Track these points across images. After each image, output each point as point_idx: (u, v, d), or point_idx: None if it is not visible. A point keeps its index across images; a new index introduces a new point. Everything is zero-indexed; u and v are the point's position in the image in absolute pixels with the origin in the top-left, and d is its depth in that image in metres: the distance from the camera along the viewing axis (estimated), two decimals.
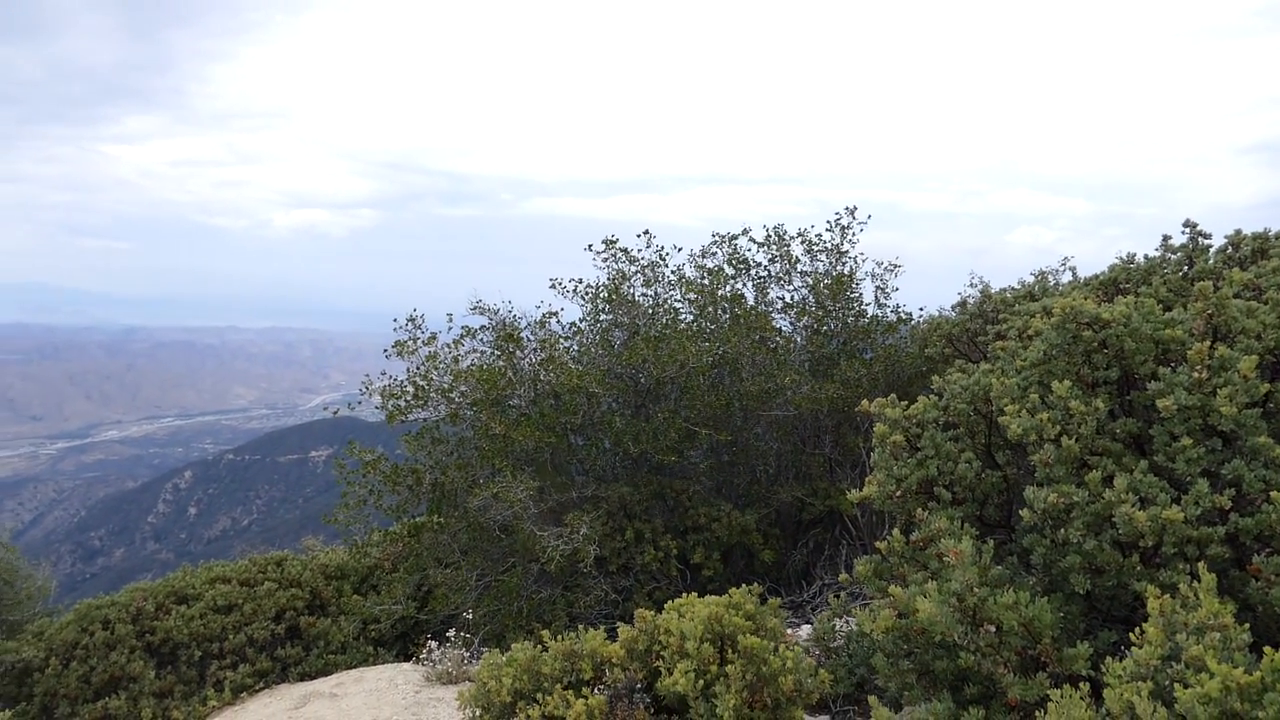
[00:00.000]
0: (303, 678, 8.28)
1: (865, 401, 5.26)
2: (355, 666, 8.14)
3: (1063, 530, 4.07)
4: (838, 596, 5.71)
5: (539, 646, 4.52)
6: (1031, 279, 9.70)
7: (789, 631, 4.82)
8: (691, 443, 8.96)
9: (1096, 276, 7.93)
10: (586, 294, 9.77)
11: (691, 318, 9.93)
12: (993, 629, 3.60)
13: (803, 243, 10.33)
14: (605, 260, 9.91)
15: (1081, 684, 3.27)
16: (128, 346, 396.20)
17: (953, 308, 10.16)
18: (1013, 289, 9.43)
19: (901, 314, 10.27)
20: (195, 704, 8.03)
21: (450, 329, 9.20)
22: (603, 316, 9.72)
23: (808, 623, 6.81)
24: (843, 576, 5.24)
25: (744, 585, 4.63)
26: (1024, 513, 4.21)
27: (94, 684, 8.29)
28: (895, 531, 4.48)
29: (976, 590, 3.67)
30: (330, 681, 7.24)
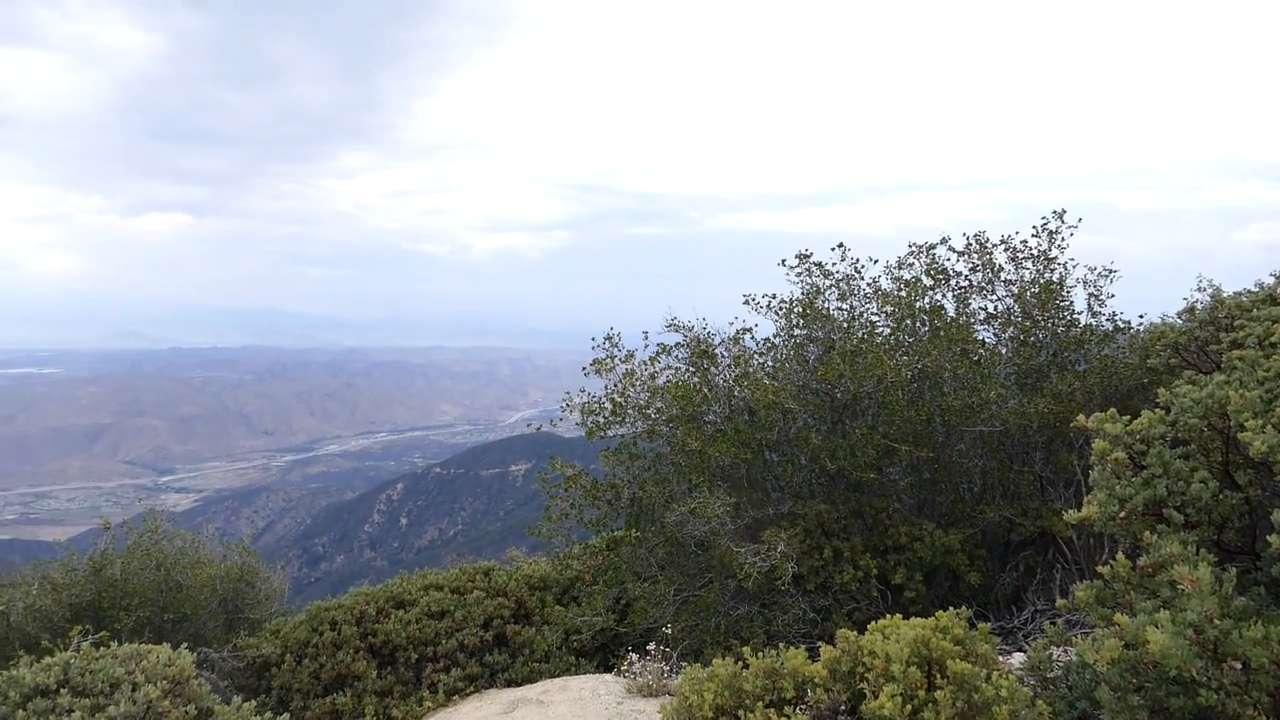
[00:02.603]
0: (509, 684, 8.61)
1: (1081, 416, 4.97)
2: (559, 675, 8.40)
3: None
4: (1054, 623, 5.39)
5: (739, 663, 4.52)
6: (1272, 280, 8.88)
7: (1000, 659, 4.60)
8: (890, 459, 8.72)
9: None
10: (780, 309, 9.72)
11: (888, 331, 9.69)
12: (1238, 666, 3.31)
13: (1006, 250, 9.89)
14: (799, 275, 9.84)
15: None
16: (347, 366, 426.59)
17: (1178, 314, 9.43)
18: (1249, 292, 8.64)
19: (1118, 322, 9.63)
20: (412, 704, 8.49)
21: (646, 347, 9.37)
22: (797, 331, 9.64)
23: (1020, 650, 6.48)
24: (1060, 602, 4.95)
25: (949, 608, 4.46)
26: (1271, 539, 3.85)
27: (323, 680, 8.92)
28: (1119, 556, 4.20)
29: (1218, 622, 3.39)
30: (536, 689, 7.50)
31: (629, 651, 7.43)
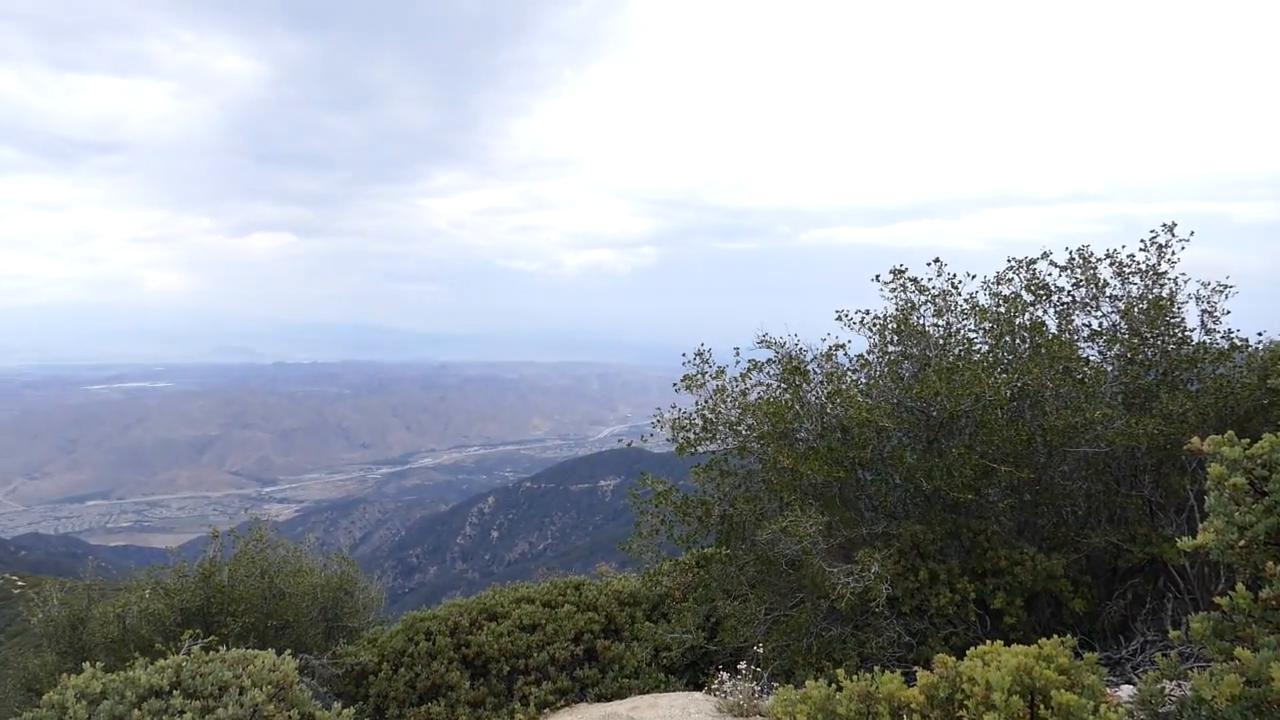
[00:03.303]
0: (599, 699, 8.64)
1: (1195, 439, 4.75)
2: (648, 692, 8.39)
3: None
4: (1166, 655, 5.16)
5: (833, 686, 4.45)
6: None
7: (1109, 691, 4.41)
8: (989, 480, 8.48)
9: None
10: (873, 325, 9.57)
11: (987, 348, 9.45)
12: None
13: (1112, 264, 9.55)
14: (893, 290, 9.68)
15: None
16: (440, 381, 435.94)
17: None
18: None
19: (1235, 340, 9.20)
20: (504, 716, 8.59)
21: (737, 363, 9.33)
22: (891, 348, 9.48)
23: (1129, 683, 6.21)
24: (1173, 634, 4.73)
25: (1052, 636, 4.31)
26: None
27: (418, 689, 9.10)
28: (1239, 587, 4.00)
29: None
30: (626, 704, 7.50)
31: (719, 670, 7.39)
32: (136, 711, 5.13)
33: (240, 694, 5.27)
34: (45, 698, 5.38)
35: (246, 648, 6.10)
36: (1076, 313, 9.70)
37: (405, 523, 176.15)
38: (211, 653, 5.85)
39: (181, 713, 5.10)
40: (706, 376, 9.25)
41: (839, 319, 9.62)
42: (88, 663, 5.69)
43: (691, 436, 9.07)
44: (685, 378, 9.31)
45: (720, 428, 9.01)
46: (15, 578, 50.37)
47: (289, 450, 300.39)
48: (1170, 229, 9.31)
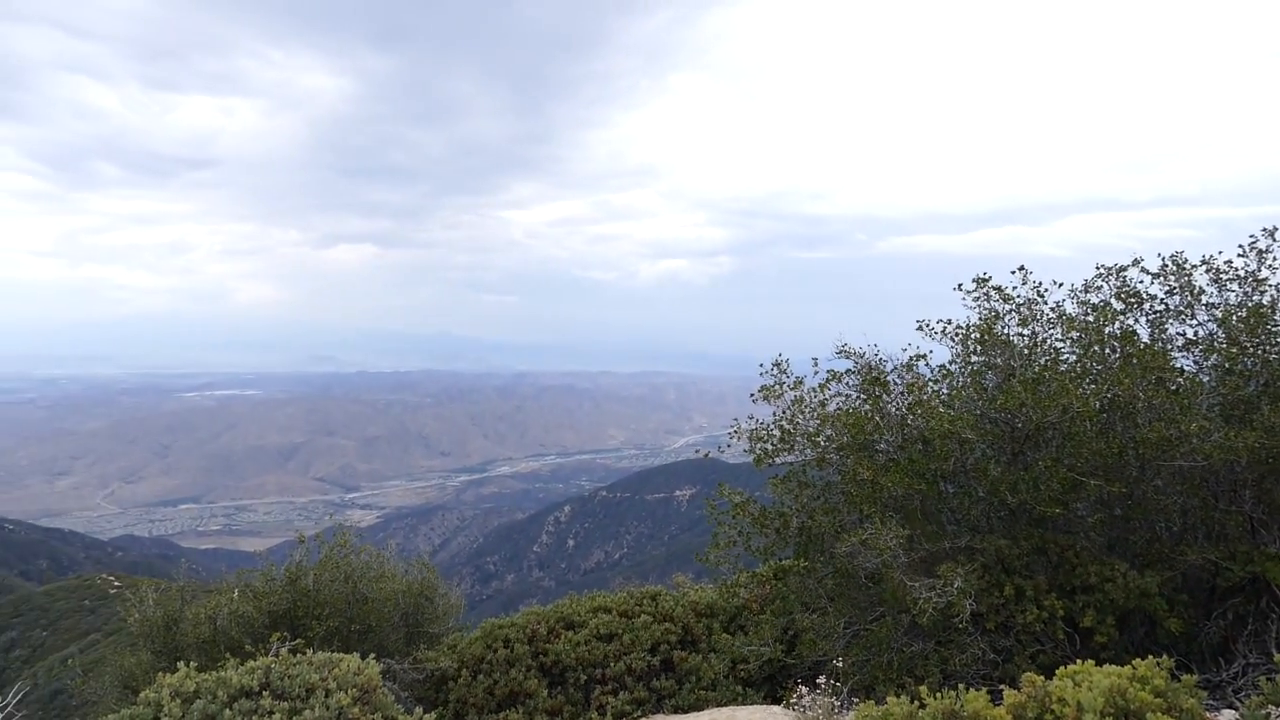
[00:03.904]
0: (676, 710, 8.62)
1: None
2: (725, 704, 8.34)
3: None
4: (1271, 680, 4.94)
5: (916, 703, 4.36)
6: None
7: (1208, 715, 4.24)
8: (1077, 494, 8.24)
9: None
10: (956, 335, 9.38)
11: (1074, 358, 9.18)
12: None
13: (1208, 271, 9.20)
14: (975, 299, 9.48)
15: None
16: (518, 390, 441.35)
17: None
18: None
19: None
20: None
21: (816, 373, 9.24)
22: (974, 358, 9.28)
23: (1230, 707, 5.97)
24: (1278, 657, 4.53)
25: (1146, 656, 4.16)
26: None
27: (496, 696, 9.19)
28: None
29: None
30: (703, 717, 7.47)
31: (797, 684, 7.30)
32: (228, 711, 5.29)
33: (326, 696, 5.40)
34: (142, 695, 5.58)
35: (331, 651, 6.25)
36: (1170, 321, 9.37)
37: (483, 530, 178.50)
38: (298, 655, 6.01)
39: (270, 713, 5.24)
40: (784, 387, 9.18)
41: (920, 329, 9.45)
42: (181, 662, 5.89)
43: (769, 447, 9.00)
44: (763, 388, 9.24)
45: (798, 439, 8.92)
46: (112, 578, 52.53)
47: (371, 457, 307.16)
48: (1271, 233, 8.95)
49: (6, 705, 6.75)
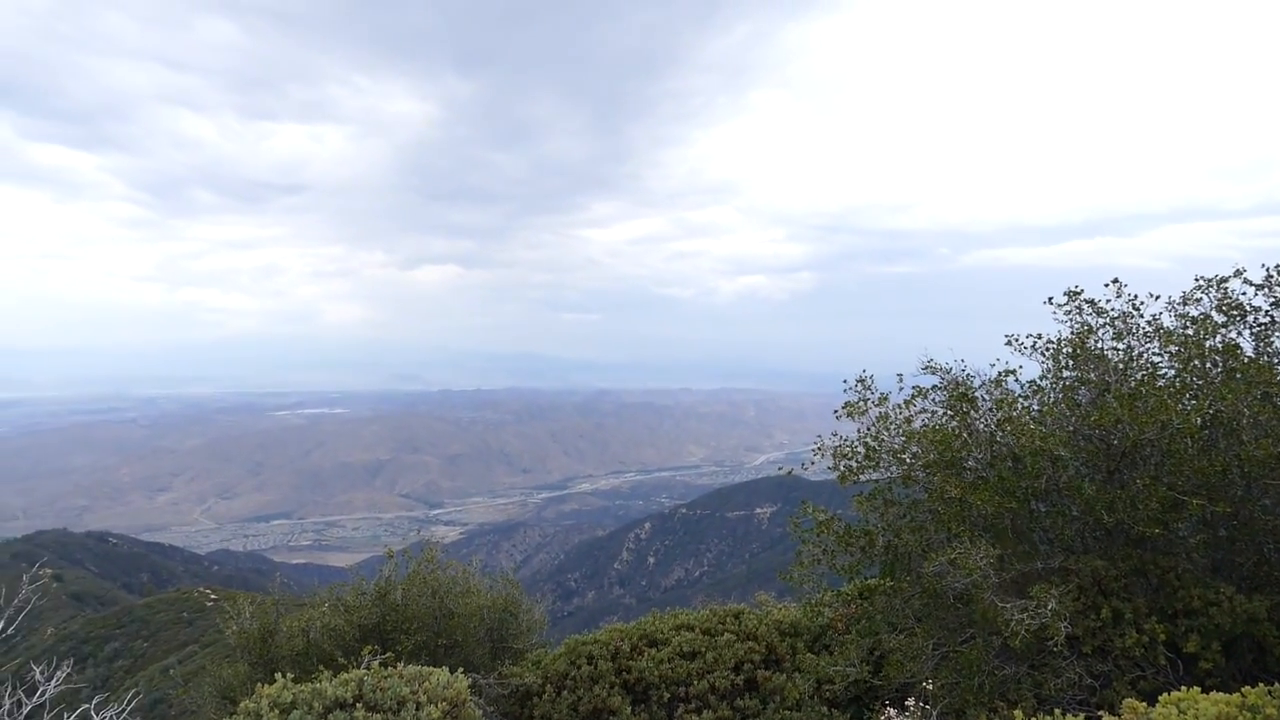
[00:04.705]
0: None
1: None
2: None
3: None
4: None
5: None
6: None
7: None
8: (1178, 513, 7.94)
9: None
10: (1046, 350, 9.17)
11: (1173, 373, 8.88)
12: None
13: None
14: (1067, 313, 9.25)
15: None
16: (598, 407, 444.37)
17: None
18: None
19: None
20: None
21: (900, 389, 9.12)
22: (1065, 373, 9.04)
23: None
24: None
25: (1256, 684, 4.00)
26: None
27: (581, 713, 9.23)
28: None
29: None
30: None
31: (885, 706, 7.18)
32: None
33: (417, 709, 5.50)
34: (242, 705, 5.77)
35: (419, 665, 6.37)
36: (1276, 335, 9.00)
37: (564, 547, 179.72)
38: (389, 668, 6.14)
39: None
40: (869, 403, 9.08)
41: (1009, 344, 9.26)
42: (278, 674, 6.07)
43: (854, 464, 8.90)
44: (847, 404, 9.16)
45: (883, 456, 8.81)
46: (209, 591, 54.38)
47: (455, 474, 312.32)
48: None
49: (122, 712, 7.04)
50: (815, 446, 9.37)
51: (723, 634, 9.71)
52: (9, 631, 7.40)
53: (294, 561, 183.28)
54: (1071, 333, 9.11)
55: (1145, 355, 9.06)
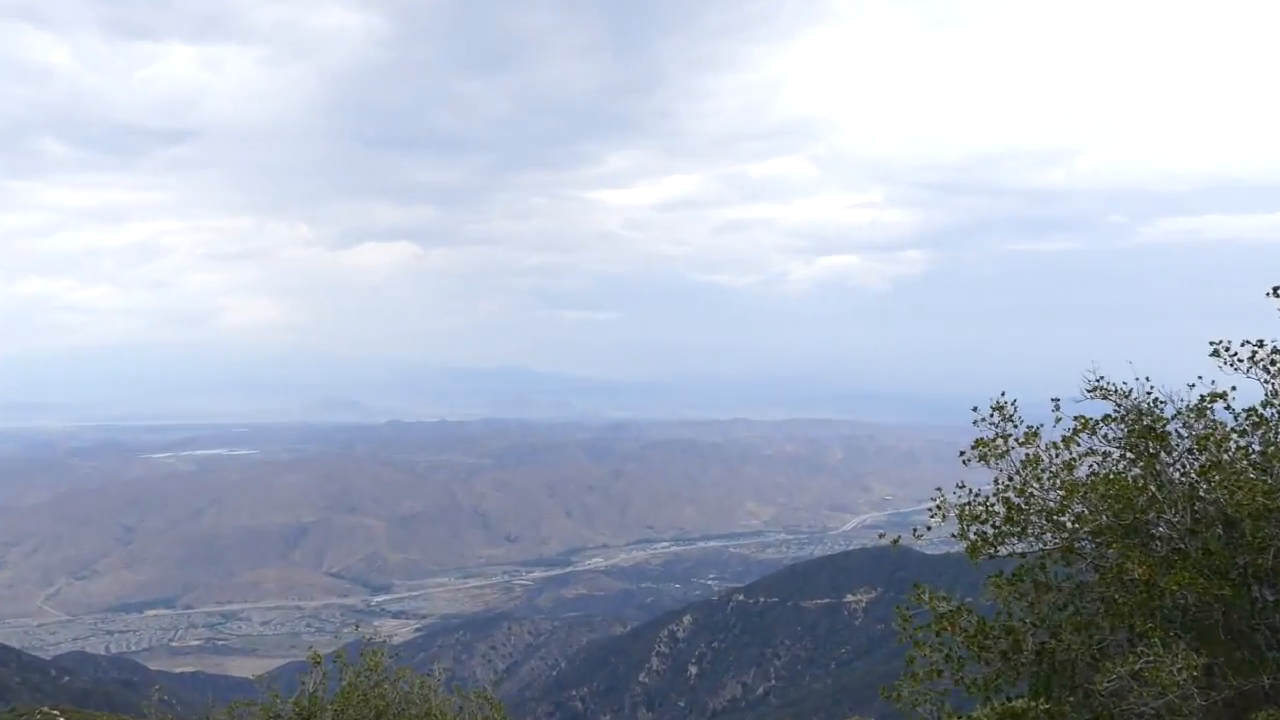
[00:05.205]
0: None
1: None
2: None
3: None
4: None
5: None
6: None
7: None
8: None
9: None
10: (1272, 364, 9.13)
11: None
12: None
13: None
14: None
15: None
16: (614, 446, 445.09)
17: None
18: None
19: None
20: None
21: (1058, 420, 9.12)
22: None
23: None
24: None
25: None
26: None
27: None
28: None
29: None
30: None
31: None
32: None
33: None
34: None
35: None
36: None
37: (565, 649, 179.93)
38: None
39: None
40: (1011, 441, 9.10)
41: (1215, 354, 9.24)
42: None
43: (989, 531, 8.91)
44: (978, 442, 9.17)
45: (1033, 517, 8.82)
46: (56, 712, 54.37)
47: (407, 544, 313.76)
48: None
49: None
50: (933, 504, 9.36)
51: None
52: None
53: (178, 670, 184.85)
54: None
55: None
